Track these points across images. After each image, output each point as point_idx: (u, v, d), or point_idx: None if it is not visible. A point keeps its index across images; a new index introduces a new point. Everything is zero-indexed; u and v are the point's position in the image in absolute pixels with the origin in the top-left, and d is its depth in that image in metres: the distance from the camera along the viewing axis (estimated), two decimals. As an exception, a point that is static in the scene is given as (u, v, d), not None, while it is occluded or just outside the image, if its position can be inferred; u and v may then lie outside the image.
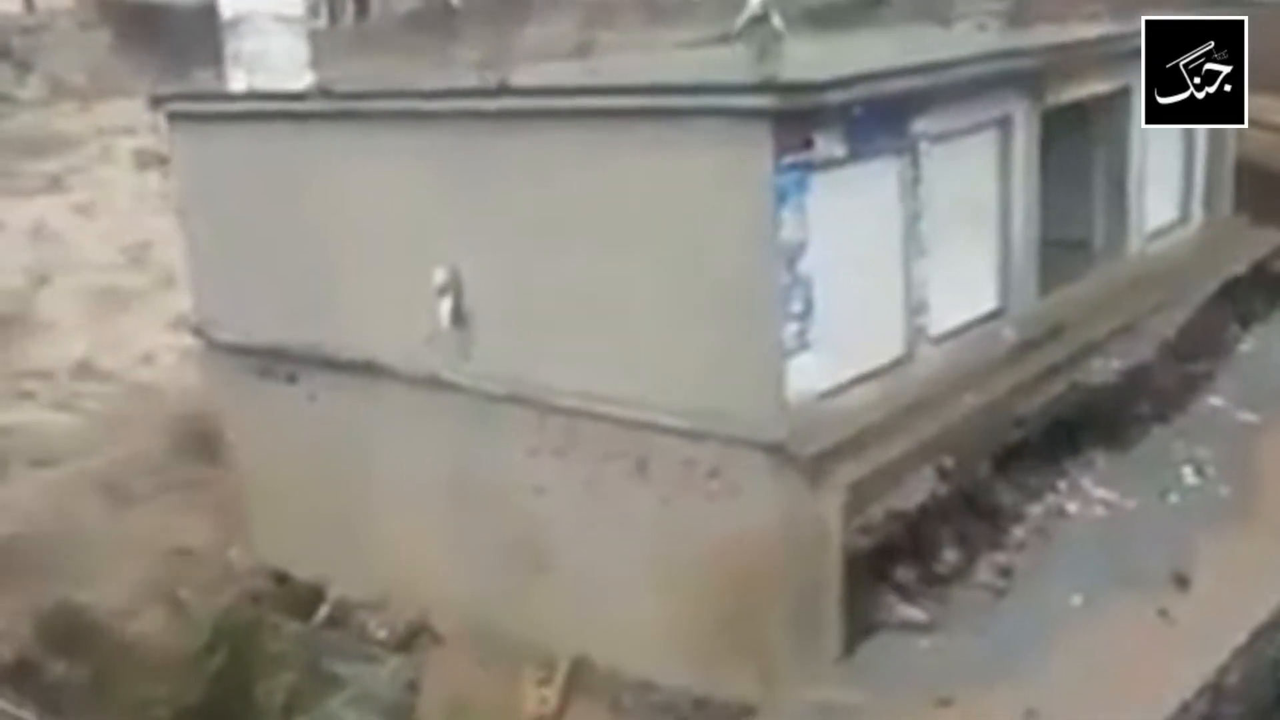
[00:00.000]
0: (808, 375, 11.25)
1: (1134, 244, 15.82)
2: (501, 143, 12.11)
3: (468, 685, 12.90)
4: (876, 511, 11.30)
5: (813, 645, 11.41)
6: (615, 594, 12.40)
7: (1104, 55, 14.72)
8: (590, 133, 11.59)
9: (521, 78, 12.87)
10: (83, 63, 51.52)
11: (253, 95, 13.94)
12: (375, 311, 13.42)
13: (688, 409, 11.51)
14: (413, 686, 13.24)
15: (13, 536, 14.93)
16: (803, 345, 11.14)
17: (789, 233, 10.84)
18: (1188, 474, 14.10)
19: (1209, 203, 17.27)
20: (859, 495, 11.24)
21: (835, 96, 10.77)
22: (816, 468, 11.20)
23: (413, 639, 13.52)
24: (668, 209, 11.27)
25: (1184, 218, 16.94)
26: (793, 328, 11.04)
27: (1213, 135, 16.89)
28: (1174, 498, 13.75)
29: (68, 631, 13.15)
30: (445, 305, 12.74)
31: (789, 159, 10.71)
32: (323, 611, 13.83)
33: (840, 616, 11.37)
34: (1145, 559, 12.50)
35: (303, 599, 13.90)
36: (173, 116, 14.73)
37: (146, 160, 26.32)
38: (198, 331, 15.34)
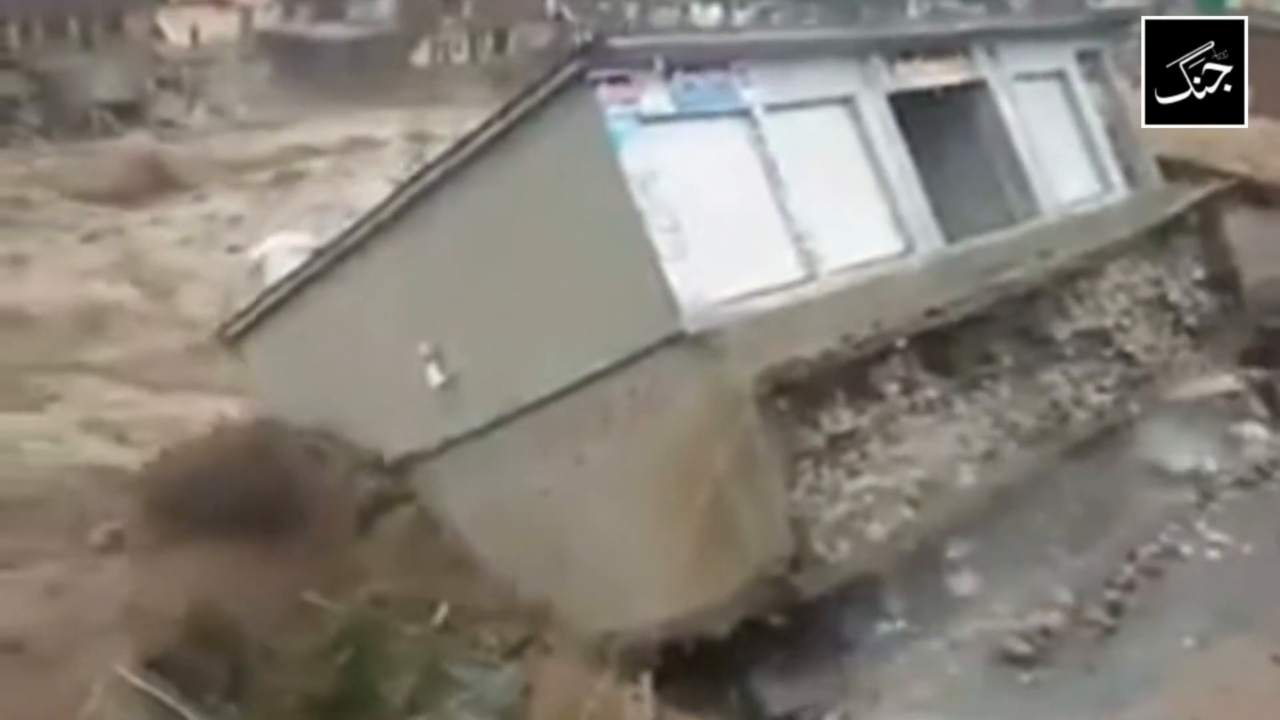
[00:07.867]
0: (694, 279, 13.30)
1: (1049, 209, 17.42)
2: (431, 214, 15.06)
3: (578, 693, 13.36)
4: (778, 359, 12.97)
5: (764, 492, 12.86)
6: (633, 557, 13.81)
7: (943, 48, 17.07)
8: (480, 169, 14.44)
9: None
10: (244, 93, 60.13)
11: (276, 285, 17.40)
12: (401, 410, 15.98)
13: (617, 344, 13.60)
14: (527, 693, 13.88)
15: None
16: (680, 253, 13.31)
17: (633, 166, 13.30)
18: None
19: (1131, 177, 18.96)
20: (757, 352, 12.95)
21: (621, 44, 13.58)
22: (715, 341, 13.03)
23: (522, 647, 14.39)
24: (556, 188, 13.93)
25: (1106, 189, 18.60)
26: (664, 238, 13.28)
27: (1109, 119, 18.85)
28: None
29: (209, 628, 14.58)
30: (433, 369, 15.32)
31: (615, 110, 13.44)
32: (439, 617, 14.86)
33: (778, 459, 12.88)
34: (1259, 603, 12.81)
35: (421, 604, 14.98)
36: (234, 341, 18.23)
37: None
38: None
